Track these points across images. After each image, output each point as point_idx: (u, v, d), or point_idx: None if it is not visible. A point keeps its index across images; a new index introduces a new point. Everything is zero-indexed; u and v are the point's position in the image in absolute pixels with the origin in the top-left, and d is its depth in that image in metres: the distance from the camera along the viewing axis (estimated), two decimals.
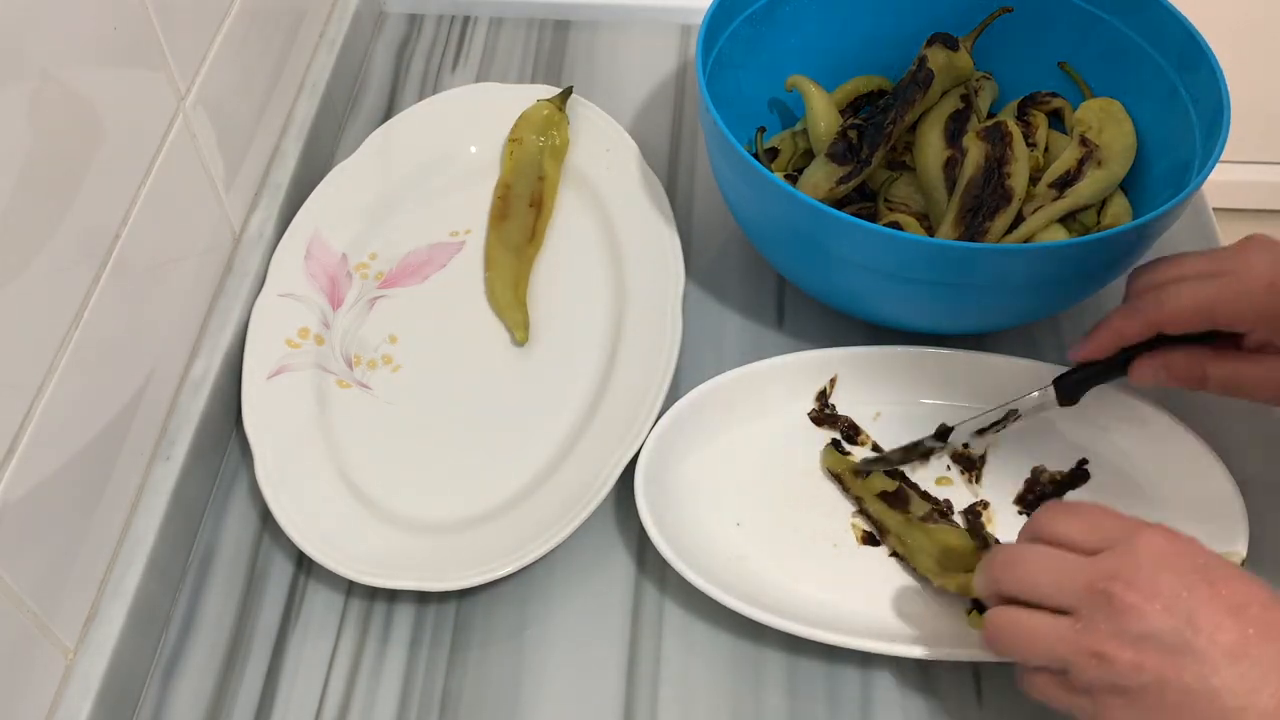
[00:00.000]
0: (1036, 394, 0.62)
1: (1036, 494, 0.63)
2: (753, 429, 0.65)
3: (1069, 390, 0.61)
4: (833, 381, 0.66)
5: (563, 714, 0.57)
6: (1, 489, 0.47)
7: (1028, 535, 0.50)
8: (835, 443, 0.65)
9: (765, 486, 0.64)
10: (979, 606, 0.57)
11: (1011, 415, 0.62)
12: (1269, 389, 0.56)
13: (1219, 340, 0.56)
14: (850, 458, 0.64)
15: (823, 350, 0.66)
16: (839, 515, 0.63)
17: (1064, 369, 0.62)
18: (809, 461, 0.65)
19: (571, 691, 0.58)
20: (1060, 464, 0.64)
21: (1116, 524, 0.47)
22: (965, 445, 0.64)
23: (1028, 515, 0.62)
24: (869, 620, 0.58)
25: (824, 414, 0.66)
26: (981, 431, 0.63)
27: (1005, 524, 0.62)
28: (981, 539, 0.60)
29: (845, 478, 0.63)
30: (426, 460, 0.65)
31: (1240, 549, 0.57)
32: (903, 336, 0.70)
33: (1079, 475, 0.63)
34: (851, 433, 0.66)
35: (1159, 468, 0.62)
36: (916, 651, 0.55)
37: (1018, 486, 0.63)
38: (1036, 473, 0.64)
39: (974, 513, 0.62)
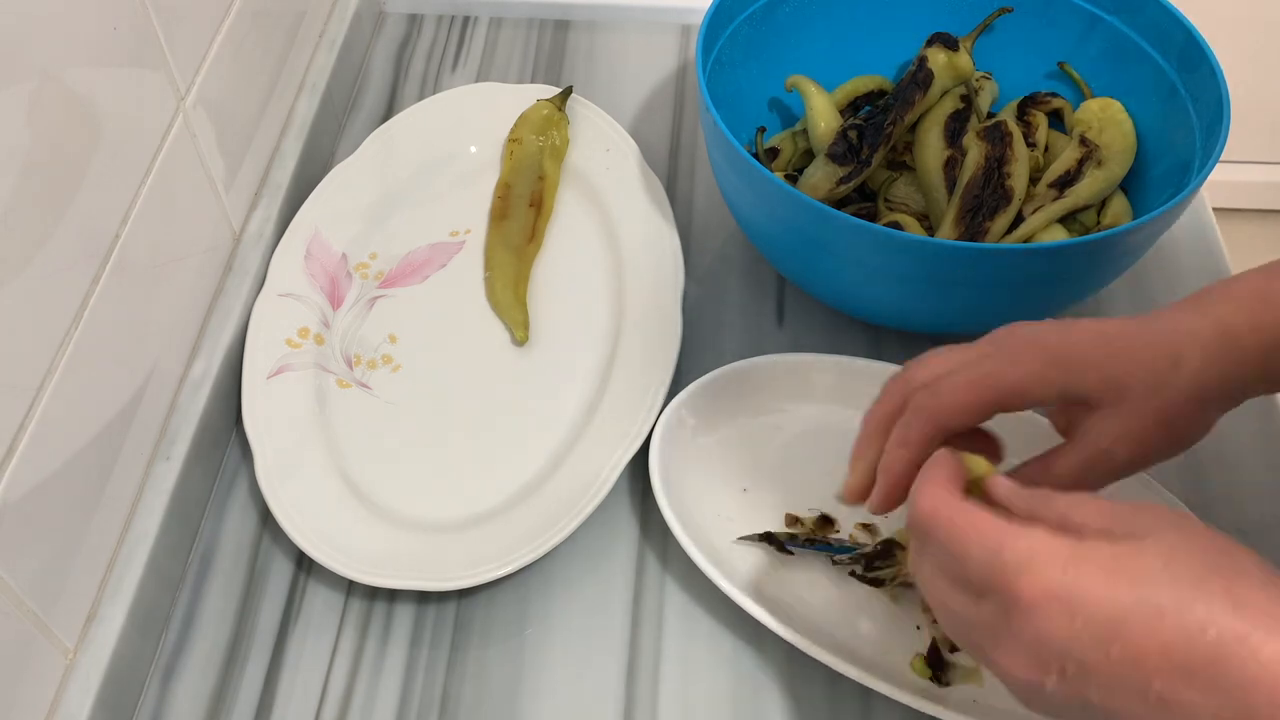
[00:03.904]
0: None
1: None
2: (777, 418, 0.65)
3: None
4: None
5: (563, 714, 0.57)
6: (1, 489, 0.47)
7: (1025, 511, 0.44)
8: None
9: (780, 469, 0.64)
10: (930, 657, 0.57)
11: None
12: (1090, 469, 0.50)
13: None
14: None
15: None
16: (844, 521, 0.63)
17: None
18: (836, 458, 0.64)
19: (571, 691, 0.58)
20: None
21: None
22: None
23: None
24: (866, 647, 0.58)
25: None
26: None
27: None
28: None
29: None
30: (427, 460, 0.65)
31: None
32: (902, 336, 0.70)
33: None
34: None
35: None
36: (912, 700, 0.54)
37: None
38: None
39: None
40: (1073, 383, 0.49)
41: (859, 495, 0.52)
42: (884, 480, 0.51)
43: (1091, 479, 0.50)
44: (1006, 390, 0.49)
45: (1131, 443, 0.49)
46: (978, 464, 0.46)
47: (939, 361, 0.51)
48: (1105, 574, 0.38)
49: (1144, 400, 0.48)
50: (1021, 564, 0.39)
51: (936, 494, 0.43)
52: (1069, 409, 0.51)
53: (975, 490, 0.45)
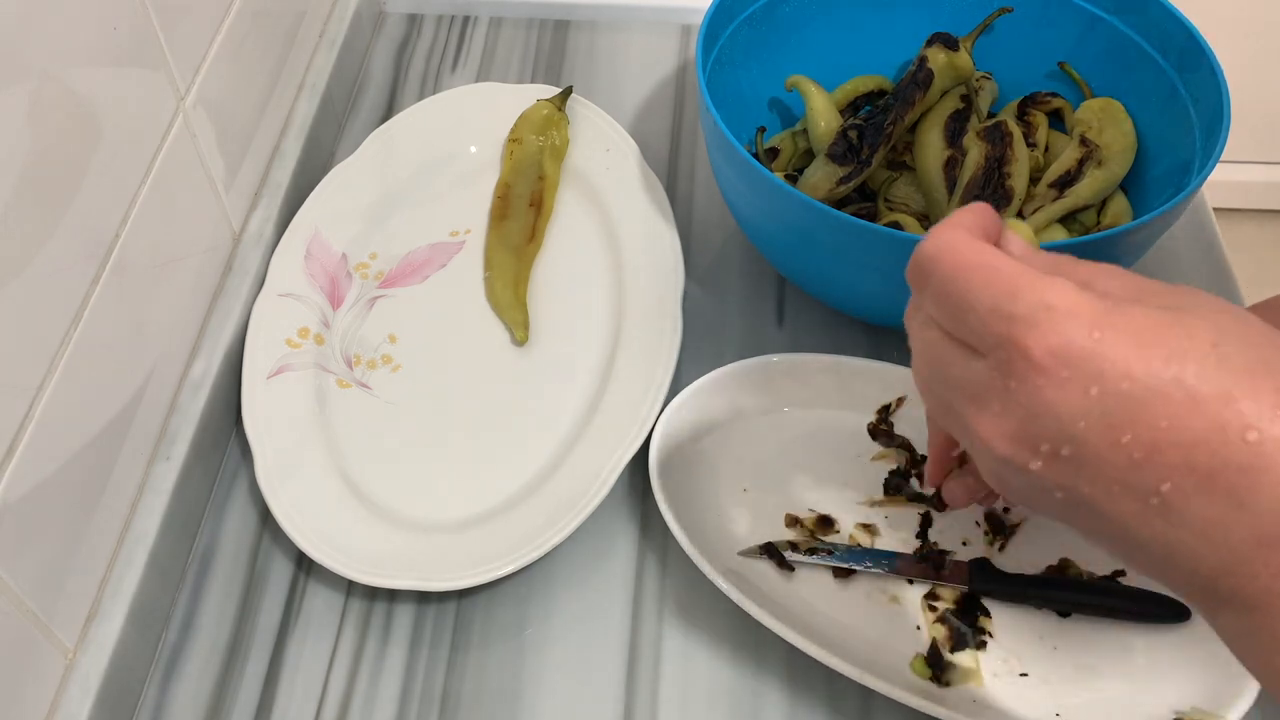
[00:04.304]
0: None
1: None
2: (777, 418, 0.66)
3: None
4: (900, 400, 0.65)
5: (563, 714, 0.57)
6: (1, 489, 0.47)
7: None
8: (891, 475, 0.64)
9: (780, 470, 0.64)
10: (930, 657, 0.57)
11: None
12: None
13: None
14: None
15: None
16: (844, 520, 0.63)
17: None
18: (836, 458, 0.65)
19: (571, 691, 0.58)
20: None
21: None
22: (1005, 509, 0.62)
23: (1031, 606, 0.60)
24: (866, 647, 0.58)
25: (880, 429, 0.65)
26: None
27: (1002, 618, 0.59)
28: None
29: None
30: (426, 460, 0.65)
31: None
32: (902, 336, 0.70)
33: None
34: (908, 463, 0.64)
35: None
36: (910, 699, 0.54)
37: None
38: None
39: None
40: None
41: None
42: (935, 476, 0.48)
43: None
44: None
45: None
46: (1021, 228, 0.40)
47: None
48: (1137, 343, 0.32)
49: None
50: (1035, 316, 0.33)
51: (950, 234, 0.36)
52: None
53: None
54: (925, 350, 0.37)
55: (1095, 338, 0.32)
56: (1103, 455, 0.32)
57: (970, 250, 0.35)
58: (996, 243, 0.37)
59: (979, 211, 0.38)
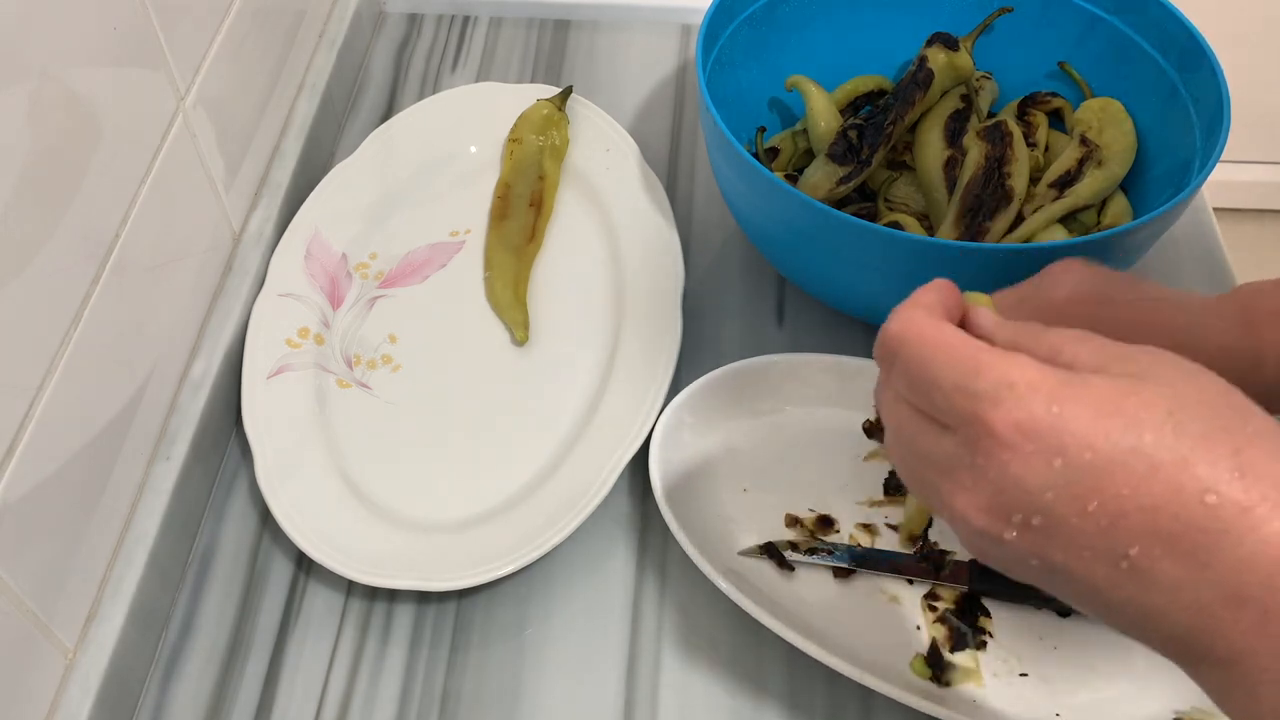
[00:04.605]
0: None
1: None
2: (777, 418, 0.66)
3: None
4: None
5: (563, 714, 0.57)
6: (1, 489, 0.47)
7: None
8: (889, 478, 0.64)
9: (780, 470, 0.64)
10: (930, 657, 0.57)
11: None
12: None
13: None
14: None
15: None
16: (844, 522, 0.63)
17: None
18: (836, 458, 0.65)
19: (571, 691, 0.58)
20: None
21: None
22: None
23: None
24: (866, 647, 0.57)
25: (879, 427, 0.65)
26: None
27: (1002, 618, 0.59)
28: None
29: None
30: (427, 460, 0.65)
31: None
32: None
33: None
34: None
35: None
36: (910, 699, 0.54)
37: None
38: None
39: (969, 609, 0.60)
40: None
41: None
42: None
43: None
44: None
45: None
46: (980, 299, 0.41)
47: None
48: (1096, 414, 0.33)
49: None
50: (998, 393, 0.34)
51: (912, 314, 0.37)
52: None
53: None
54: (896, 425, 0.38)
55: (1055, 411, 0.33)
56: (1071, 523, 0.33)
57: (932, 329, 0.36)
58: (961, 315, 0.39)
59: (940, 289, 0.39)
